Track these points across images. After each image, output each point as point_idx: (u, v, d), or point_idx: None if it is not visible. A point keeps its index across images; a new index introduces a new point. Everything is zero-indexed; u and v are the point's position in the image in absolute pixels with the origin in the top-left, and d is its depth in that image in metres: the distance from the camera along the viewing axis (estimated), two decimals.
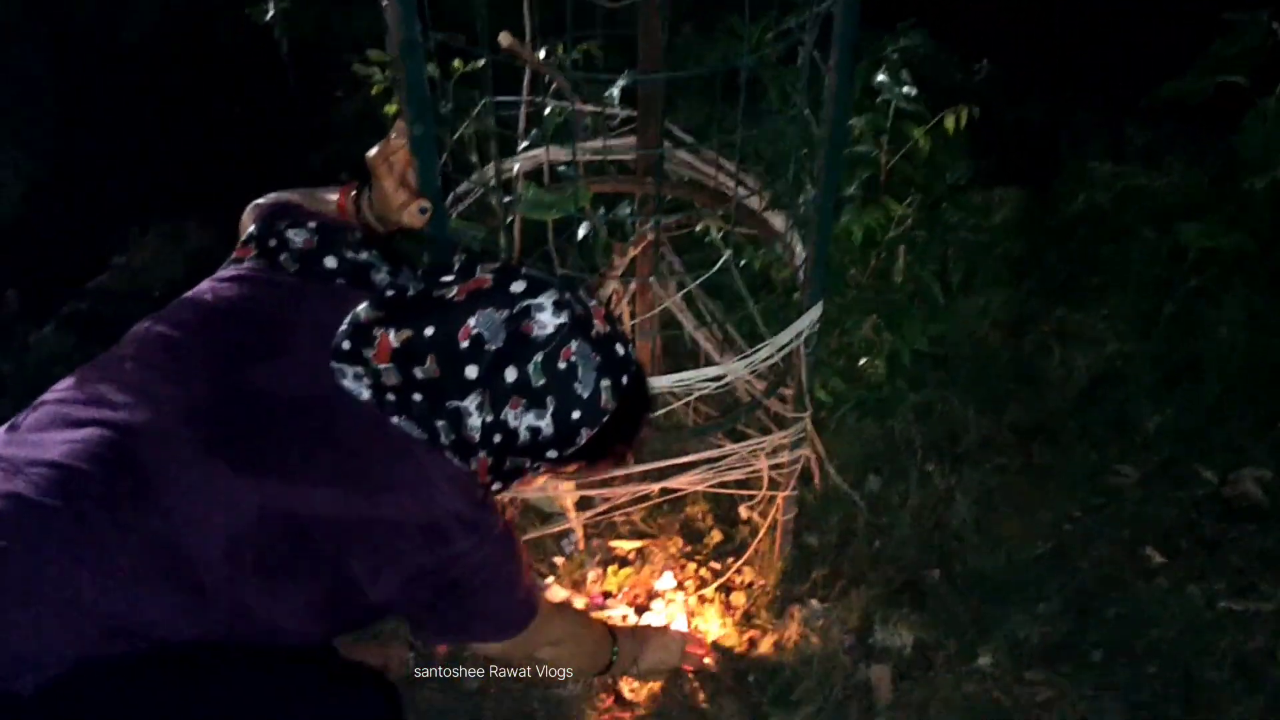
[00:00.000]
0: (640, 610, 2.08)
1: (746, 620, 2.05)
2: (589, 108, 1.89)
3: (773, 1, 1.72)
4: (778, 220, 1.85)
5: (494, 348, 1.17)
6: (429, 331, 1.18)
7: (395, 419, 1.20)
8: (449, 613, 1.33)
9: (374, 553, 1.19)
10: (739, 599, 2.08)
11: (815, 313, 1.66)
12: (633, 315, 2.05)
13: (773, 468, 1.93)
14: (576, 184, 1.74)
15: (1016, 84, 3.15)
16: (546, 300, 1.19)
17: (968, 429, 2.34)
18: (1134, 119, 3.00)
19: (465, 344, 1.17)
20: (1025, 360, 2.49)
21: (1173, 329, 2.50)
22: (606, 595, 2.11)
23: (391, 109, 1.83)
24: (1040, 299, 2.58)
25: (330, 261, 1.34)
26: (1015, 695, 1.93)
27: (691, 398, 1.91)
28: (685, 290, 2.05)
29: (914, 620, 2.03)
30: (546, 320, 1.18)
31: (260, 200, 1.48)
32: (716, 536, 2.19)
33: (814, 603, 2.07)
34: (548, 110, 1.81)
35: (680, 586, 2.11)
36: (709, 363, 1.97)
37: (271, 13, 3.31)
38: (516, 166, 1.81)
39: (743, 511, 2.13)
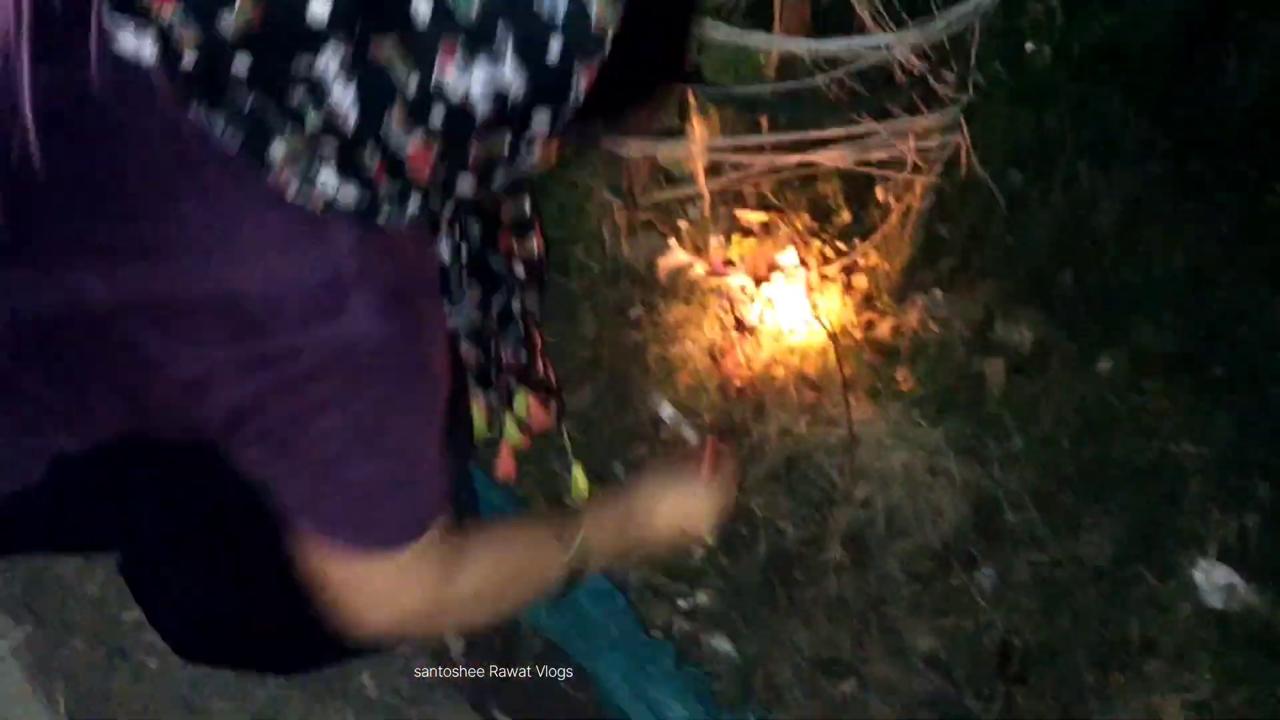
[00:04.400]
0: (759, 282, 2.08)
1: (867, 302, 2.05)
2: None
3: None
4: None
5: None
6: None
7: (193, 114, 0.75)
8: (278, 457, 0.87)
9: (164, 337, 0.81)
10: (861, 281, 2.07)
11: None
12: None
13: (919, 150, 1.85)
14: None
15: None
16: None
17: (1126, 132, 2.21)
18: None
19: None
20: (1200, 63, 2.31)
21: None
22: (728, 263, 2.11)
23: None
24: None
25: None
26: (1129, 402, 1.93)
27: (841, 71, 1.82)
28: None
29: (1037, 319, 2.01)
30: None
31: None
32: (845, 217, 2.14)
33: (937, 292, 2.06)
34: None
35: (803, 263, 2.09)
36: (863, 32, 1.85)
37: None
38: None
39: (879, 193, 2.07)
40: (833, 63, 1.78)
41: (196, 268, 0.78)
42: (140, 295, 0.80)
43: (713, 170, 1.97)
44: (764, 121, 1.99)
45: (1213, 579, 1.76)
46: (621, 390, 1.97)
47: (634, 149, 1.86)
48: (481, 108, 0.70)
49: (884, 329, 2.00)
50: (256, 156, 0.74)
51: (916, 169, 1.88)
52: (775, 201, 2.16)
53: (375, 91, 0.69)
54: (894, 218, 2.00)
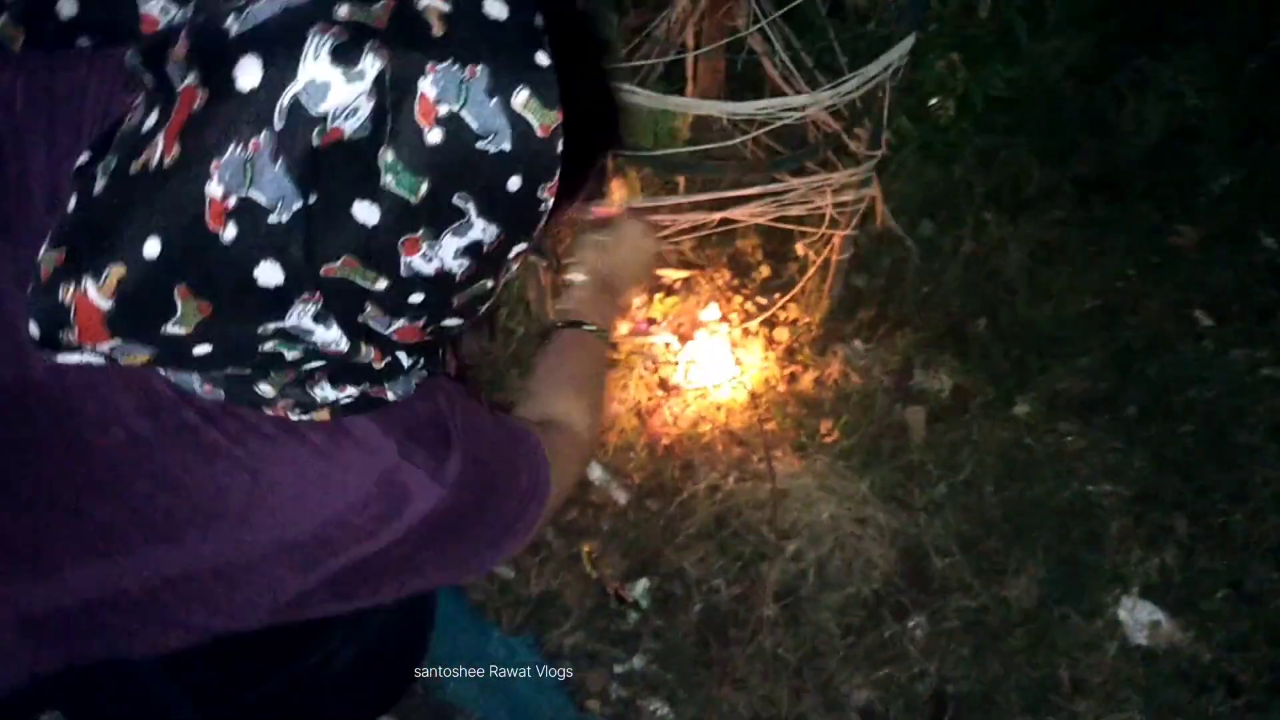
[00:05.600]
0: (684, 339, 2.09)
1: (789, 355, 2.07)
2: None
3: None
4: None
5: (291, 212, 0.63)
6: (152, 249, 0.63)
7: (166, 372, 0.73)
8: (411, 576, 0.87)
9: (225, 596, 0.80)
10: (783, 335, 2.09)
11: (907, 44, 1.57)
12: (699, 38, 1.95)
13: (835, 205, 1.88)
14: None
15: None
16: (316, 64, 0.60)
17: (1030, 179, 2.28)
18: None
19: (230, 232, 0.63)
20: (1097, 110, 2.39)
21: (1255, 86, 2.38)
22: (651, 321, 2.12)
23: None
24: (1122, 45, 2.44)
25: (66, 7, 0.76)
26: (1047, 444, 1.97)
27: (758, 132, 1.85)
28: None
29: (954, 366, 2.05)
30: (343, 96, 0.61)
31: None
32: (765, 272, 2.17)
33: (857, 343, 2.09)
34: None
35: (725, 318, 2.11)
36: (778, 93, 1.88)
37: None
38: None
39: (799, 248, 2.10)
40: (749, 122, 1.81)
41: (234, 533, 0.76)
42: (183, 570, 0.77)
43: None
44: (682, 181, 2.02)
45: (1137, 616, 1.79)
46: None
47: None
48: (459, 267, 0.68)
49: (807, 381, 2.03)
50: (243, 402, 0.72)
51: (833, 223, 1.91)
52: (696, 259, 2.18)
53: (350, 305, 0.67)
54: (812, 271, 2.03)
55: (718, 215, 1.90)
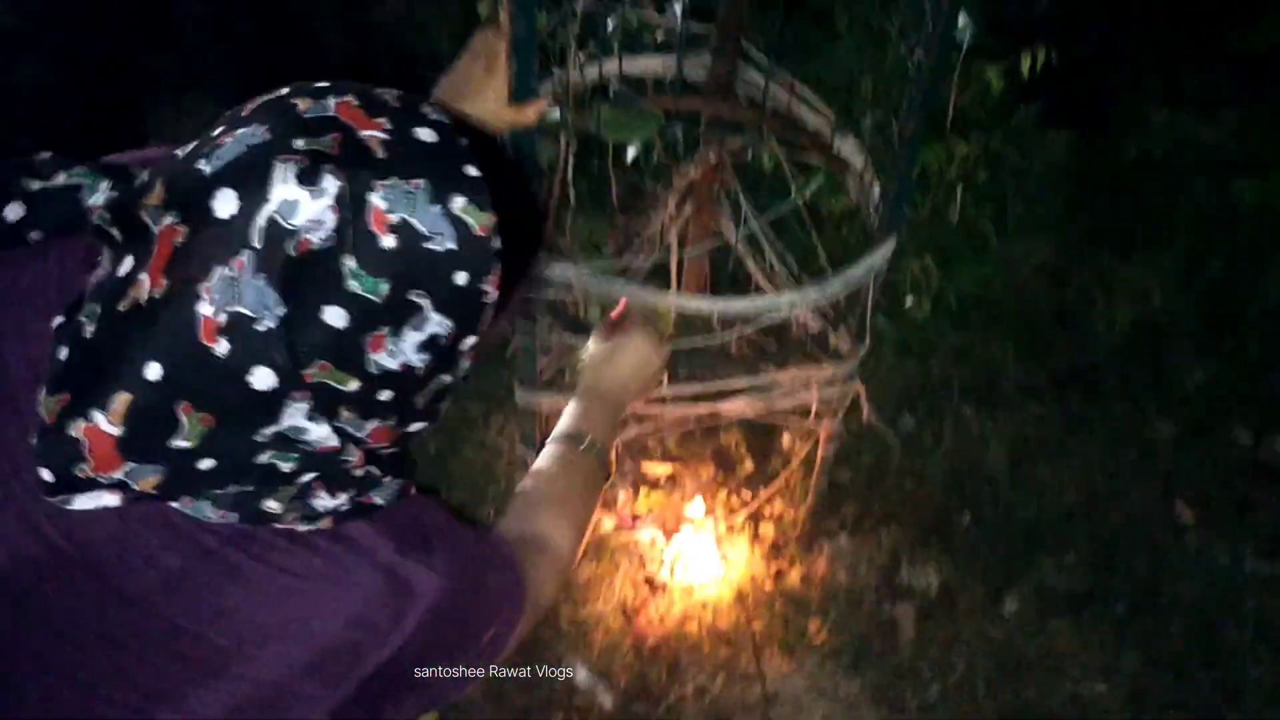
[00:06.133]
0: (669, 534, 2.08)
1: (775, 551, 2.06)
2: (661, 19, 1.83)
3: None
4: (848, 150, 1.80)
5: (276, 318, 0.69)
6: (153, 373, 0.69)
7: (179, 505, 0.75)
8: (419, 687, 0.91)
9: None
10: (768, 530, 2.08)
11: (889, 247, 1.63)
12: (683, 241, 2.01)
13: (819, 400, 1.91)
14: (651, 107, 1.69)
15: (1074, 21, 3.06)
16: (285, 186, 0.68)
17: (1006, 375, 2.32)
18: (1191, 65, 2.92)
19: (223, 346, 0.69)
20: (1068, 308, 2.47)
21: (1218, 285, 2.47)
22: (636, 517, 2.11)
23: (484, 7, 1.76)
24: (1086, 246, 2.54)
25: (13, 211, 0.79)
26: (1037, 643, 1.95)
27: (747, 330, 1.89)
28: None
29: (941, 562, 2.04)
30: (311, 211, 0.68)
31: None
32: (749, 466, 2.18)
33: (843, 538, 2.08)
34: (615, 21, 1.76)
35: (710, 513, 2.11)
36: (760, 292, 1.93)
37: None
38: (592, 73, 1.75)
39: (785, 441, 2.12)
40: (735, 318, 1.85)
41: (275, 649, 0.78)
42: (232, 705, 0.78)
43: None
44: (666, 376, 2.04)
45: None
46: (534, 655, 1.91)
47: (544, 404, 1.88)
48: (419, 361, 0.75)
49: (794, 578, 2.00)
50: (254, 521, 0.76)
51: (818, 418, 1.93)
52: (680, 454, 2.19)
53: (327, 408, 0.73)
54: (796, 465, 2.04)
55: (705, 408, 1.92)
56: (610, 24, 1.80)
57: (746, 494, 2.14)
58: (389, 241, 0.70)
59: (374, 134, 0.72)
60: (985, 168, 2.00)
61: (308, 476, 0.77)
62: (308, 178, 0.68)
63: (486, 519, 2.02)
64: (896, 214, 1.64)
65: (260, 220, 0.68)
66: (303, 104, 0.73)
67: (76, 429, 0.70)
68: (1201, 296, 2.47)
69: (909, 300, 2.11)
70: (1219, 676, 1.91)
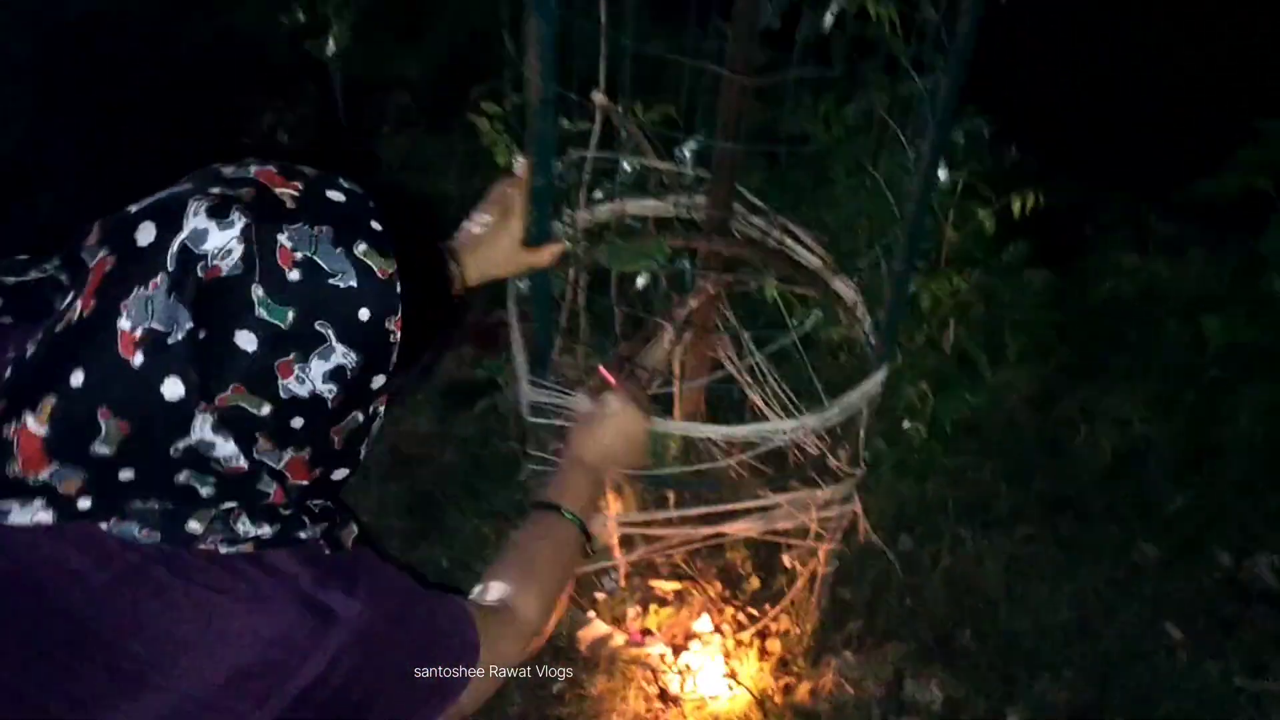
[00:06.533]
0: (678, 650, 2.14)
1: (782, 666, 2.12)
2: (665, 165, 2.00)
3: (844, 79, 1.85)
4: (841, 285, 1.95)
5: (185, 333, 0.77)
6: (77, 379, 0.78)
7: (108, 526, 0.82)
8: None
9: None
10: (775, 645, 2.15)
11: (882, 374, 1.75)
12: (683, 367, 2.14)
13: (819, 520, 2.00)
14: (656, 237, 1.84)
15: (1046, 171, 3.29)
16: (197, 218, 0.78)
17: (998, 497, 2.43)
18: (1158, 212, 3.13)
19: (139, 358, 0.77)
20: (1053, 435, 2.59)
21: (1194, 415, 2.60)
22: (645, 633, 2.17)
23: (501, 158, 1.92)
24: (1068, 378, 2.68)
25: None
26: None
27: (747, 455, 2.00)
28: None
29: (944, 677, 2.11)
30: (219, 240, 0.77)
31: None
32: (755, 583, 2.26)
33: (848, 654, 2.15)
34: (626, 165, 1.92)
35: (718, 629, 2.17)
36: (757, 418, 2.05)
37: (331, 49, 3.44)
38: (600, 212, 1.91)
39: (786, 561, 2.20)
40: (733, 443, 1.96)
41: (196, 665, 0.83)
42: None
43: (626, 543, 2.08)
44: (672, 496, 2.14)
45: None
46: None
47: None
48: (329, 392, 0.82)
49: (802, 692, 2.07)
50: (178, 541, 0.82)
51: (818, 537, 2.02)
52: (688, 570, 2.27)
53: (243, 431, 0.81)
54: (801, 583, 2.12)
55: (709, 530, 2.01)
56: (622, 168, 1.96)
57: (753, 610, 2.21)
58: (294, 275, 0.79)
59: (287, 191, 0.83)
60: (980, 300, 2.15)
61: (227, 504, 0.84)
62: (218, 212, 0.78)
63: None
64: (890, 344, 1.78)
65: (174, 247, 0.78)
66: (227, 169, 0.85)
67: (9, 431, 0.79)
68: (1178, 426, 2.59)
69: (905, 424, 2.23)
70: None
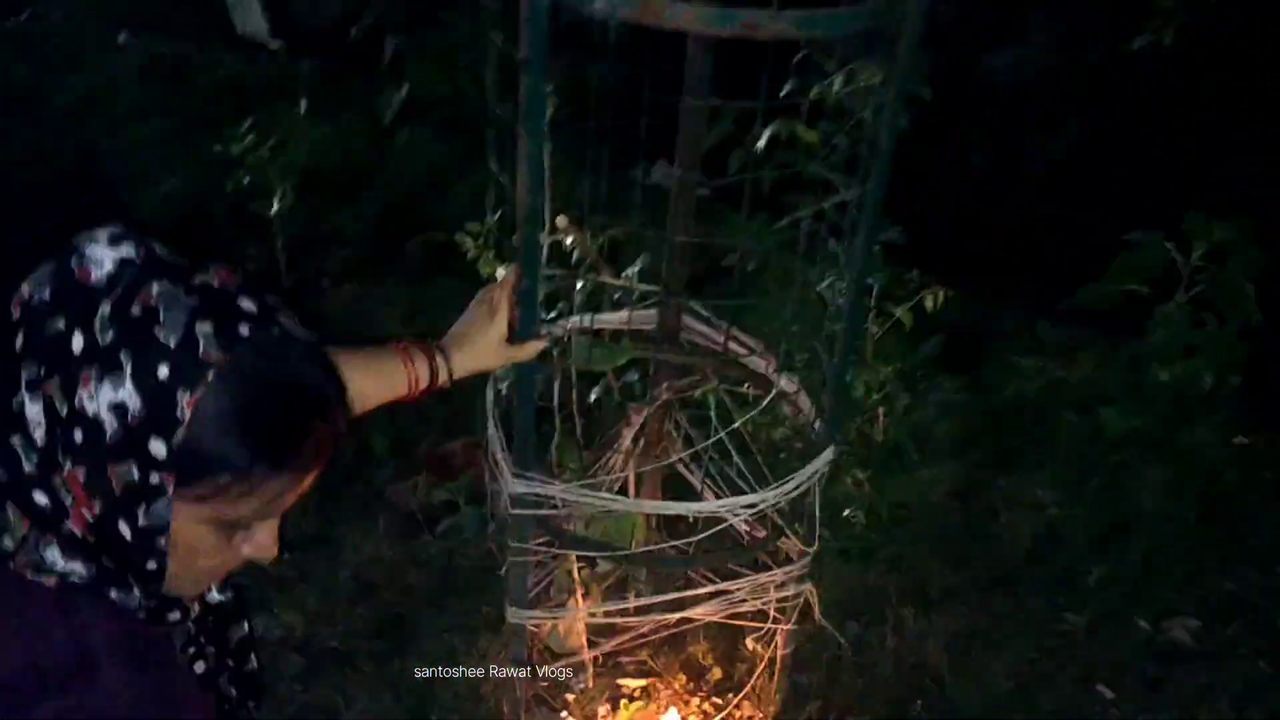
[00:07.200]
0: None
1: None
2: (619, 282, 2.20)
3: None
4: (783, 381, 2.14)
5: (41, 301, 0.85)
6: None
7: None
8: None
9: None
10: None
11: (829, 453, 1.94)
12: (639, 473, 2.30)
13: (776, 602, 2.15)
14: (624, 342, 2.04)
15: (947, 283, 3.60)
16: (103, 236, 0.87)
17: (934, 580, 2.61)
18: (1048, 320, 3.44)
19: (16, 311, 0.86)
20: (979, 520, 2.80)
21: (1100, 497, 2.84)
22: None
23: (487, 269, 2.10)
24: (988, 470, 2.91)
25: None
26: None
27: (695, 538, 2.15)
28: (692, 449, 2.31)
29: None
30: (102, 256, 0.86)
31: None
32: (717, 673, 2.37)
33: None
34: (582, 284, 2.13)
35: None
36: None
37: (275, 208, 3.63)
38: (569, 324, 2.09)
39: (749, 644, 2.33)
40: (690, 530, 2.09)
41: None
42: None
43: (593, 635, 2.18)
44: (632, 595, 2.27)
45: None
46: None
47: (534, 623, 2.07)
48: (108, 424, 0.83)
49: None
50: None
51: (776, 620, 2.16)
52: (653, 667, 2.38)
53: (49, 412, 0.84)
54: (761, 666, 2.24)
55: (675, 616, 2.13)
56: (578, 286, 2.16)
57: (718, 700, 2.32)
58: (135, 309, 0.83)
59: (207, 278, 0.88)
60: (903, 391, 2.37)
61: (45, 525, 0.87)
62: (116, 240, 0.86)
63: None
64: (834, 426, 1.97)
65: (75, 241, 0.86)
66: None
67: None
68: (1089, 508, 2.82)
69: (846, 511, 2.41)
70: None
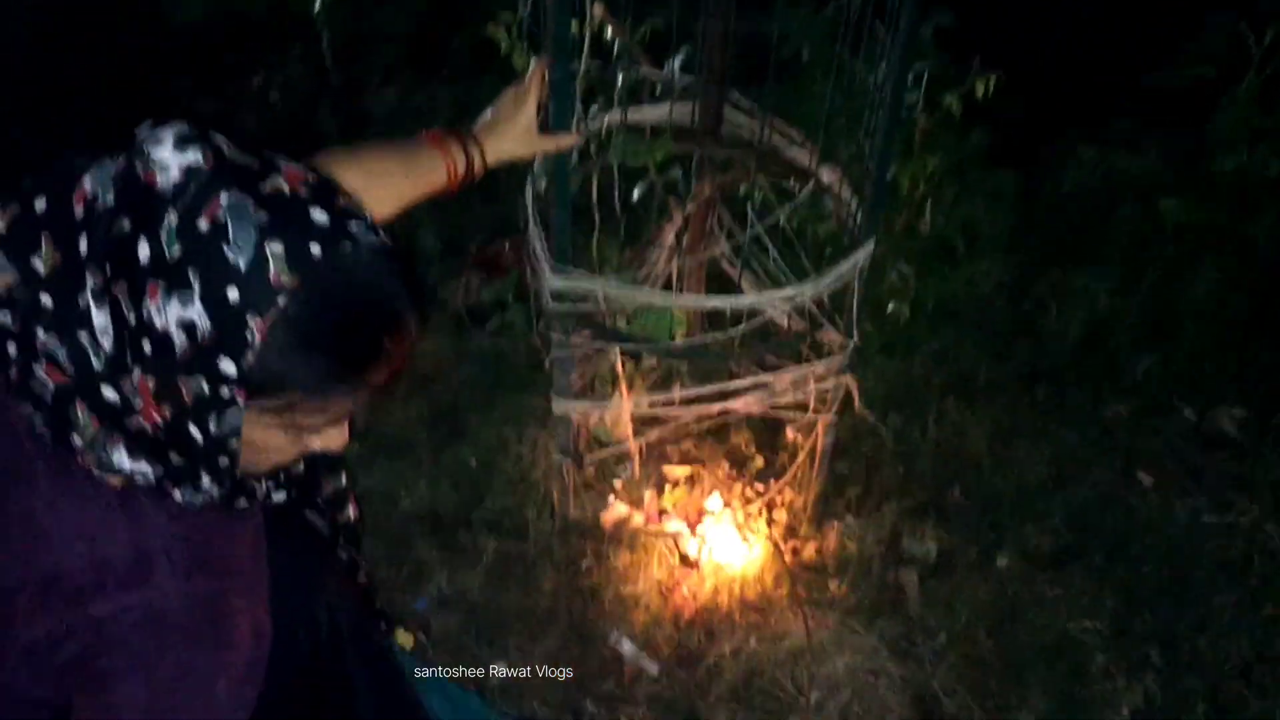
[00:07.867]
0: (693, 526, 2.33)
1: (790, 532, 2.31)
2: (657, 73, 2.16)
3: None
4: (825, 173, 2.11)
5: (106, 207, 0.82)
6: (40, 205, 0.85)
7: (23, 412, 0.89)
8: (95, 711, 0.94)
9: None
10: (781, 515, 2.34)
11: (870, 246, 1.93)
12: (682, 267, 2.31)
13: (817, 394, 2.19)
14: (662, 136, 2.01)
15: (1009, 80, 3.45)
16: (167, 138, 0.83)
17: (978, 373, 2.62)
18: (1112, 111, 3.31)
19: (79, 210, 0.83)
20: (1026, 315, 2.79)
21: (1154, 290, 2.80)
22: (662, 513, 2.36)
23: (520, 62, 2.07)
24: (1037, 263, 2.87)
25: None
26: (1028, 592, 2.21)
27: (746, 326, 2.16)
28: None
29: (938, 531, 2.30)
30: (169, 161, 0.82)
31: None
32: (759, 462, 2.44)
33: (849, 517, 2.34)
34: (621, 76, 2.08)
35: (728, 505, 2.36)
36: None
37: (317, 7, 3.56)
38: (606, 119, 2.07)
39: (789, 433, 2.39)
40: (735, 323, 2.12)
41: (21, 556, 0.90)
42: None
43: (639, 426, 2.25)
44: (678, 385, 2.32)
45: None
46: (584, 632, 2.14)
47: (578, 413, 2.14)
48: (177, 340, 0.81)
49: (809, 552, 2.26)
50: (64, 444, 0.88)
51: (817, 410, 2.20)
52: (697, 455, 2.46)
53: (117, 320, 0.82)
54: (802, 456, 2.31)
55: (715, 407, 2.19)
56: (618, 79, 2.12)
57: (760, 486, 2.40)
58: (203, 224, 0.79)
59: (275, 182, 0.83)
60: (953, 183, 2.33)
61: (111, 429, 0.87)
62: (182, 142, 0.82)
63: (530, 520, 2.27)
64: (875, 219, 1.95)
65: (139, 140, 0.83)
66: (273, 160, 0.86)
67: None
68: (1142, 300, 2.79)
69: (890, 306, 2.41)
70: (1190, 609, 2.18)
